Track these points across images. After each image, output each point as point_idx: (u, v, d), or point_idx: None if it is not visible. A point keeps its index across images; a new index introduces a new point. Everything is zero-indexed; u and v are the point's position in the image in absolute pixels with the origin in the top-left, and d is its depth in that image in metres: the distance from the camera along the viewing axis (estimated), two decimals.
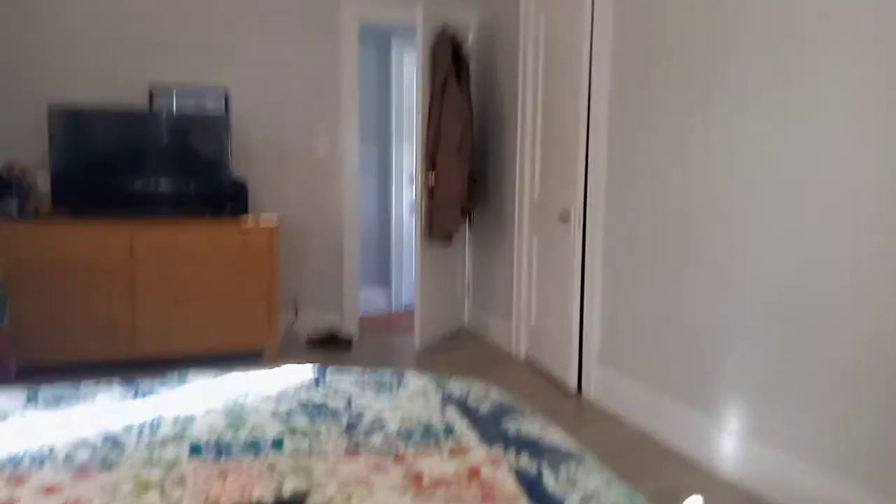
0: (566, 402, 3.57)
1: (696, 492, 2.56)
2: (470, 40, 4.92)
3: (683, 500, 2.49)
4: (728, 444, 2.67)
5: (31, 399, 1.56)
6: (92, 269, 3.77)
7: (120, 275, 3.82)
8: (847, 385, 2.19)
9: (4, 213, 3.78)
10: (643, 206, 3.19)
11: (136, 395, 1.62)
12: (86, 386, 1.65)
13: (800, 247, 2.35)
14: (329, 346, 4.49)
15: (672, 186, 2.99)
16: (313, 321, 4.72)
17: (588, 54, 3.54)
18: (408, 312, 5.55)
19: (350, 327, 4.81)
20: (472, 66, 4.83)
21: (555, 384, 3.83)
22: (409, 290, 5.83)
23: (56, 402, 1.55)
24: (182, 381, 1.72)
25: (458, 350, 4.57)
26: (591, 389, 3.59)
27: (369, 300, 5.76)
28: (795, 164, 2.36)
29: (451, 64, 4.38)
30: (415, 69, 4.42)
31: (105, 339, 3.80)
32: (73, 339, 3.73)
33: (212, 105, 4.41)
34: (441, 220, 4.42)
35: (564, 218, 3.74)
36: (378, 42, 5.74)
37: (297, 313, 4.67)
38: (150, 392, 1.64)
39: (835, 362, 2.22)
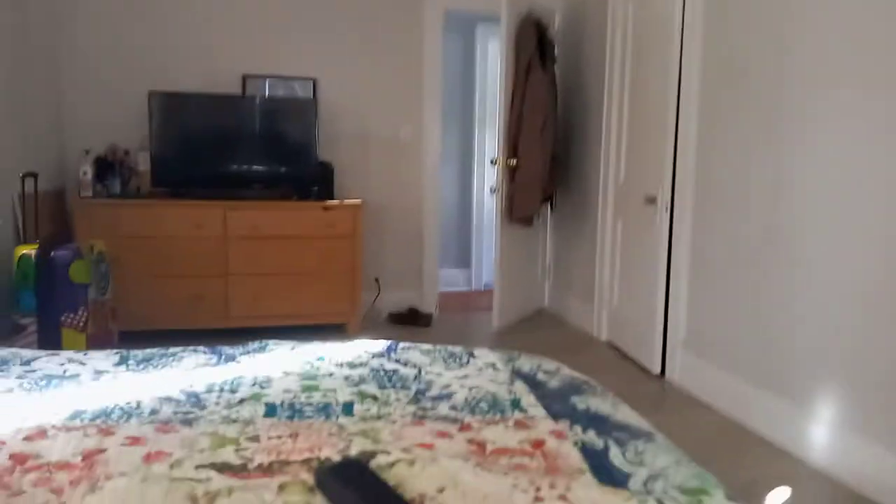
0: (649, 385, 3.50)
1: (785, 481, 2.46)
2: (555, 25, 4.85)
3: (771, 489, 2.40)
4: (818, 434, 2.55)
5: (123, 360, 1.66)
6: (188, 245, 3.97)
7: (214, 250, 4.01)
8: None
9: (108, 192, 4.03)
10: (731, 194, 3.07)
11: (219, 359, 1.70)
12: (173, 350, 1.75)
13: (890, 238, 2.20)
14: (409, 323, 4.57)
15: (761, 176, 2.86)
16: (395, 298, 4.80)
17: (679, 42, 3.43)
18: (487, 292, 5.56)
19: (430, 305, 4.87)
20: (557, 51, 4.75)
21: (638, 367, 3.76)
22: (489, 272, 5.84)
23: (145, 363, 1.65)
24: (262, 348, 1.79)
25: (536, 331, 4.55)
26: (675, 375, 3.50)
27: (449, 281, 5.81)
28: (883, 165, 2.21)
29: (535, 48, 4.33)
30: (499, 55, 4.39)
31: (199, 310, 4.01)
32: (170, 310, 3.95)
33: (301, 93, 4.54)
34: (522, 203, 4.39)
35: (651, 201, 3.64)
36: (463, 29, 5.73)
37: (379, 290, 4.77)
38: (232, 358, 1.72)
39: None
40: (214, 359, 1.70)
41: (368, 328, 4.39)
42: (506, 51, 4.27)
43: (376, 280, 4.76)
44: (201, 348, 1.78)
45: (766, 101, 2.83)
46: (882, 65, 2.27)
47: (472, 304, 5.36)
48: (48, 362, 1.62)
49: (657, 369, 3.61)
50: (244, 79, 4.48)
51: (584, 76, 4.58)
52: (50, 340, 3.13)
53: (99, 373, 1.56)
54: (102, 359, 1.65)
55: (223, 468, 1.15)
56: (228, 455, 1.20)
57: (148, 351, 1.73)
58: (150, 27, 4.32)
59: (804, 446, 2.61)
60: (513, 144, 4.36)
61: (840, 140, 2.45)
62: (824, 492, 2.41)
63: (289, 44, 4.55)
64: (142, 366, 1.63)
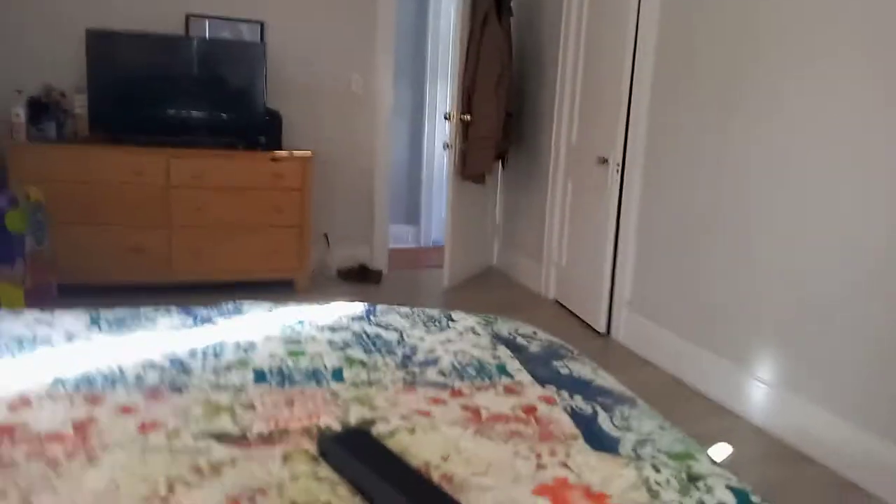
0: (595, 343, 3.61)
1: (725, 436, 2.61)
2: None
3: (712, 444, 2.53)
4: (756, 391, 2.70)
5: (94, 321, 1.60)
6: (128, 194, 3.81)
7: (156, 200, 3.86)
8: (876, 341, 2.18)
9: (43, 136, 3.80)
10: (681, 162, 3.15)
11: (195, 321, 1.65)
12: (145, 311, 1.69)
13: (833, 202, 2.31)
14: (359, 279, 4.55)
15: (711, 144, 2.94)
16: (344, 254, 4.76)
17: (637, 4, 3.44)
18: (436, 249, 5.59)
19: (380, 261, 4.85)
20: (514, 3, 4.70)
21: (584, 325, 3.87)
22: (438, 229, 5.86)
23: (119, 325, 1.59)
24: (238, 310, 1.75)
25: (486, 288, 4.61)
26: (619, 334, 3.63)
27: (398, 237, 5.80)
28: (827, 138, 2.31)
29: (492, 1, 4.27)
30: (453, 5, 4.31)
31: (141, 263, 3.87)
32: (111, 262, 3.81)
33: (248, 37, 4.36)
34: (475, 160, 4.39)
35: (602, 162, 3.70)
36: None
37: (328, 245, 4.71)
38: (209, 319, 1.67)
39: (867, 317, 2.22)
40: (190, 321, 1.66)
41: (317, 285, 4.35)
42: (461, 1, 4.19)
43: (325, 235, 4.69)
44: (174, 308, 1.72)
45: (720, 73, 2.89)
46: (832, 49, 2.34)
47: (421, 261, 5.37)
48: (13, 323, 1.54)
49: (603, 328, 3.72)
50: (188, 18, 4.26)
51: (539, 32, 4.56)
52: None
53: (71, 335, 1.50)
54: (72, 320, 1.58)
55: (222, 438, 1.13)
56: (225, 423, 1.18)
57: (118, 311, 1.66)
58: None
59: (743, 403, 2.76)
60: (466, 99, 4.33)
61: (788, 119, 2.53)
62: (762, 447, 2.57)
63: None
64: (115, 327, 1.57)
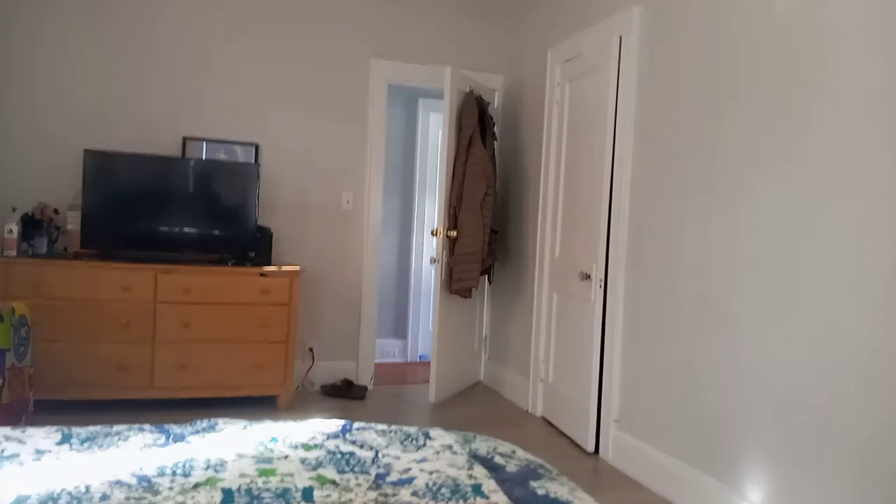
0: (583, 463, 3.53)
1: None
2: (495, 103, 5.05)
3: None
4: None
5: (66, 439, 1.58)
6: (115, 309, 3.82)
7: (142, 315, 3.86)
8: (863, 459, 2.16)
9: (34, 252, 3.85)
10: (665, 273, 3.21)
11: (167, 439, 1.63)
12: (118, 429, 1.67)
13: (816, 326, 2.35)
14: (343, 396, 4.49)
15: (693, 257, 3.01)
16: (329, 369, 4.72)
17: (612, 123, 3.62)
18: (423, 364, 5.55)
19: (365, 377, 4.80)
20: (497, 126, 4.94)
21: (572, 444, 3.79)
22: (425, 343, 5.84)
23: (89, 442, 1.57)
24: (212, 427, 1.73)
25: (473, 404, 4.55)
26: (608, 453, 3.55)
27: (385, 351, 5.77)
28: (804, 240, 2.38)
29: (476, 125, 4.49)
30: (440, 127, 4.52)
31: (123, 378, 3.83)
32: (92, 377, 3.77)
33: (243, 158, 4.53)
34: (461, 275, 4.45)
35: (585, 278, 3.76)
36: (406, 100, 5.89)
37: (313, 361, 4.67)
38: (181, 438, 1.65)
39: (851, 440, 2.20)
40: (162, 438, 1.64)
41: (301, 401, 4.29)
42: (448, 125, 4.40)
43: (310, 350, 4.67)
44: (147, 426, 1.70)
45: (696, 180, 3.00)
46: (810, 135, 2.45)
47: (408, 377, 5.32)
48: None
49: (591, 447, 3.65)
50: (185, 141, 4.43)
51: (522, 153, 4.76)
52: None
53: (41, 452, 1.47)
54: (42, 437, 1.56)
55: None
56: None
57: (91, 429, 1.64)
58: (88, 84, 4.25)
59: None
60: (453, 216, 4.45)
61: (767, 211, 2.61)
62: None
63: (231, 109, 4.54)
64: (86, 445, 1.55)
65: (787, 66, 2.55)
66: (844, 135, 2.30)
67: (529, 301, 4.49)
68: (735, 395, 2.73)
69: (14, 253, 3.74)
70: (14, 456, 1.44)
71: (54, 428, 1.63)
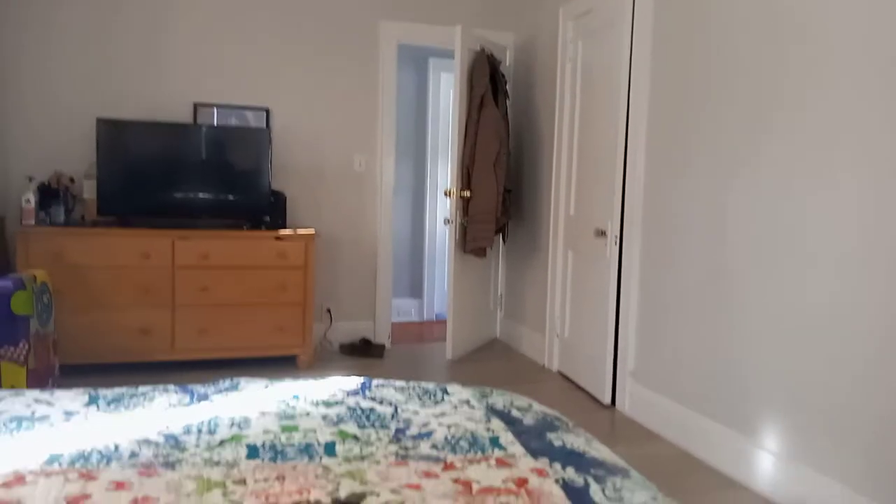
0: (600, 415, 3.57)
1: None
2: (507, 61, 4.99)
3: None
4: (764, 463, 2.66)
5: (93, 400, 1.62)
6: (134, 275, 3.87)
7: (161, 281, 3.92)
8: (887, 415, 2.17)
9: (52, 221, 3.90)
10: (679, 229, 3.20)
11: (191, 399, 1.67)
12: (143, 390, 1.71)
13: (836, 267, 2.34)
14: (362, 354, 4.55)
15: (709, 209, 3.00)
16: (347, 329, 4.78)
17: (627, 77, 3.57)
18: (440, 322, 5.60)
19: (383, 336, 4.87)
20: (509, 85, 4.88)
21: (588, 397, 3.84)
22: (441, 302, 5.88)
23: (116, 403, 1.61)
24: (234, 387, 1.77)
25: (490, 361, 4.60)
26: (625, 405, 3.59)
27: (402, 310, 5.83)
28: (822, 203, 2.36)
29: (488, 83, 4.44)
30: (452, 87, 4.48)
31: (144, 342, 3.91)
32: (114, 342, 3.84)
33: (254, 123, 4.52)
34: (475, 235, 4.46)
35: (600, 234, 3.75)
36: (416, 61, 5.83)
37: (331, 321, 4.74)
38: (205, 397, 1.69)
39: (874, 384, 2.21)
40: (187, 398, 1.68)
41: (320, 360, 4.36)
42: (459, 85, 4.36)
43: (328, 310, 4.73)
44: (171, 387, 1.75)
45: (712, 139, 2.98)
46: (825, 103, 2.43)
47: (424, 335, 5.38)
48: (13, 403, 1.57)
49: (608, 400, 3.70)
50: (196, 107, 4.43)
51: (535, 111, 4.72)
52: None
53: (69, 413, 1.52)
54: (71, 399, 1.60)
55: None
56: (217, 499, 1.18)
57: (116, 390, 1.69)
58: (99, 52, 4.24)
59: (751, 475, 2.72)
60: (466, 176, 4.44)
61: (784, 179, 2.59)
62: None
63: (241, 73, 4.53)
64: (112, 406, 1.59)
65: (804, 27, 2.49)
66: (865, 100, 2.26)
67: (544, 258, 4.49)
68: (750, 351, 2.74)
69: (32, 222, 3.79)
70: (44, 417, 1.49)
71: (81, 390, 1.68)
